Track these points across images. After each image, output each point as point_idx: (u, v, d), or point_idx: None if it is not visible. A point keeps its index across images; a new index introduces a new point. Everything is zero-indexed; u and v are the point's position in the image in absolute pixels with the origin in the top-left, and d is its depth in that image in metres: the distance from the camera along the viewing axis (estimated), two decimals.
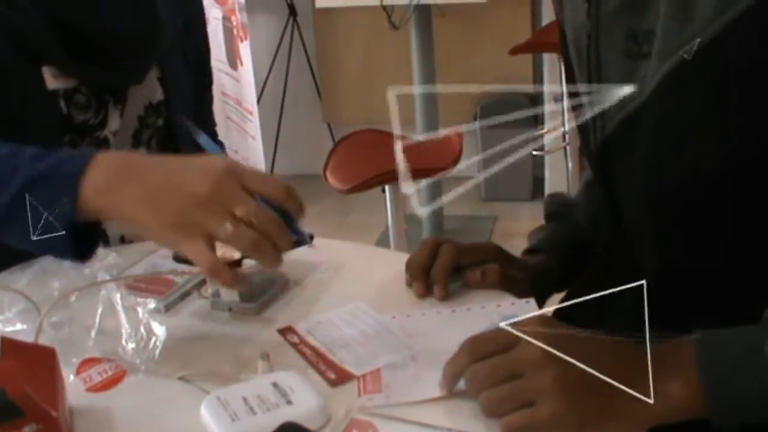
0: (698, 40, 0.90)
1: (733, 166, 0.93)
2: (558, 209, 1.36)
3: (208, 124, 1.69)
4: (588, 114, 1.08)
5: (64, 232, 1.06)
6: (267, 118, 4.35)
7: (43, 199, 1.06)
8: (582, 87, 1.09)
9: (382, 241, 3.80)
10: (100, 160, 1.06)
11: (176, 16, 1.52)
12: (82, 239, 1.08)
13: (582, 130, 1.14)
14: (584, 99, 1.09)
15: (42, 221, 1.09)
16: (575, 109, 1.15)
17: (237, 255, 1.06)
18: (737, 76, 0.89)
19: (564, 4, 1.12)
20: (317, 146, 4.58)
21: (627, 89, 0.99)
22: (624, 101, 1.01)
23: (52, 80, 1.36)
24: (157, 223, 0.99)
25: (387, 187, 2.82)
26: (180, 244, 0.98)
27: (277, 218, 0.98)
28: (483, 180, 4.33)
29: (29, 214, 1.08)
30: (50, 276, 1.21)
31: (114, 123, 1.44)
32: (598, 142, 1.09)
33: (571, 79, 1.16)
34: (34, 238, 1.12)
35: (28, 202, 1.08)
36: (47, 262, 1.27)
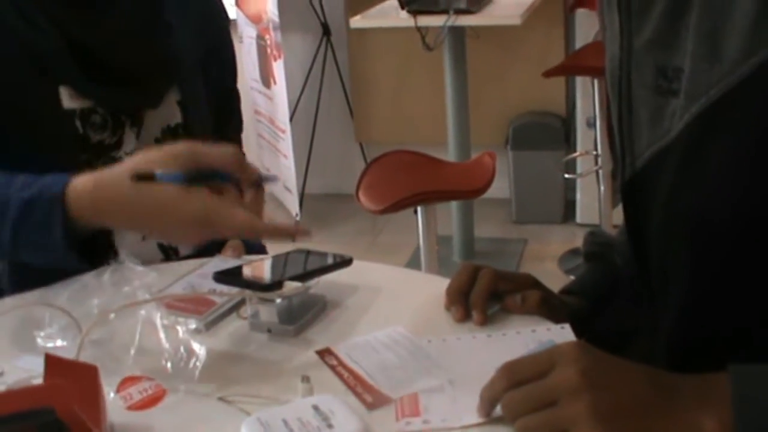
0: (726, 82, 0.89)
1: (758, 209, 0.92)
2: (596, 249, 1.34)
3: None
4: (619, 148, 1.09)
5: (64, 250, 1.17)
6: (299, 137, 4.37)
7: (38, 223, 1.17)
8: (614, 120, 1.09)
9: (413, 262, 3.81)
10: (75, 184, 1.16)
11: (198, 41, 1.52)
12: (91, 246, 1.19)
13: (616, 164, 1.14)
14: (616, 131, 1.09)
15: (45, 241, 1.17)
16: (611, 140, 1.15)
17: None
18: (765, 120, 0.89)
19: (606, 31, 1.12)
20: (349, 165, 4.60)
21: (656, 126, 0.99)
22: (653, 138, 1.01)
23: (68, 100, 1.38)
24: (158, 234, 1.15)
25: (419, 208, 2.82)
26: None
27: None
28: (514, 202, 4.33)
29: (31, 239, 1.18)
30: (90, 293, 1.22)
31: (130, 144, 1.45)
32: (627, 178, 1.09)
33: (608, 106, 1.16)
34: (42, 258, 1.20)
35: (26, 229, 1.18)
36: (87, 279, 1.29)
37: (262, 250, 1.60)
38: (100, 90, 1.40)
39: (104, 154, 1.42)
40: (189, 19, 1.51)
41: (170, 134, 1.49)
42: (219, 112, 1.60)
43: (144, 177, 1.09)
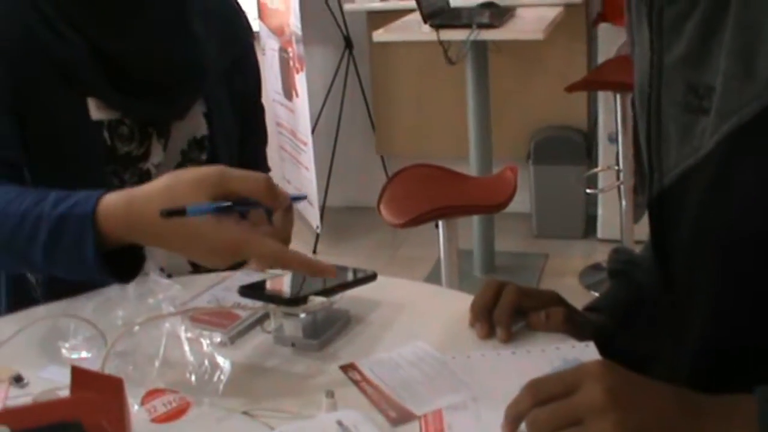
0: (759, 101, 0.89)
1: None
2: (621, 267, 1.33)
3: (258, 165, 1.70)
4: (647, 165, 1.08)
5: (96, 267, 1.16)
6: (321, 150, 4.38)
7: (69, 241, 1.16)
8: (642, 136, 1.09)
9: (433, 275, 3.81)
10: (107, 202, 1.15)
11: (224, 53, 1.53)
12: (124, 262, 1.18)
13: (642, 179, 1.13)
14: (644, 147, 1.09)
15: (76, 258, 1.16)
16: (637, 154, 1.15)
17: None
18: None
19: (635, 47, 1.12)
20: (370, 178, 4.61)
21: (686, 144, 0.99)
22: (682, 155, 1.00)
23: (96, 111, 1.39)
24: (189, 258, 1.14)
25: (440, 222, 2.82)
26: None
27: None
28: (535, 216, 4.33)
29: (63, 256, 1.18)
30: (115, 305, 1.23)
31: (157, 156, 1.46)
32: (654, 194, 1.09)
33: (635, 122, 1.15)
34: (75, 274, 1.21)
35: (57, 246, 1.17)
36: (112, 291, 1.30)
37: None
38: (128, 101, 1.41)
39: (132, 165, 1.43)
40: (214, 32, 1.52)
41: (196, 146, 1.50)
42: (244, 125, 1.61)
43: (174, 213, 1.07)
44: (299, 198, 1.20)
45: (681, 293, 1.08)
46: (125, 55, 1.40)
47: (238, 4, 1.64)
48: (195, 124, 1.50)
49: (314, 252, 4.26)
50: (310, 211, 4.35)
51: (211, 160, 1.52)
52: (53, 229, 1.17)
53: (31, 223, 1.19)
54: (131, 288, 1.27)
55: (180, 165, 1.49)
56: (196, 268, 1.51)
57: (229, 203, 1.08)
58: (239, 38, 1.62)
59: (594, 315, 1.25)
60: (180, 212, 1.07)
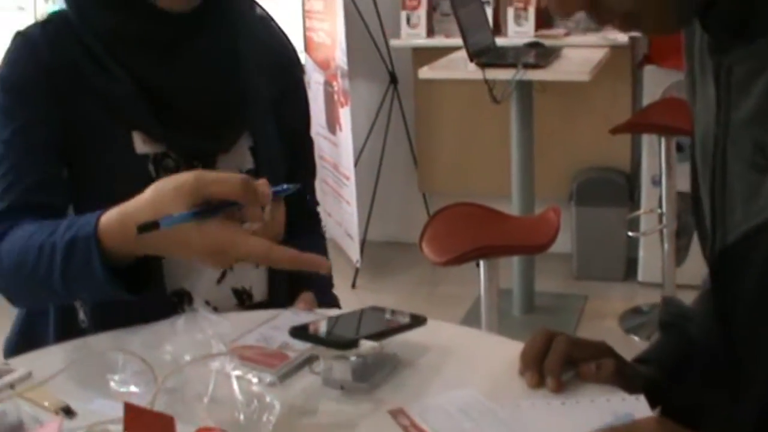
0: None
1: None
2: (672, 319, 1.32)
3: (306, 199, 1.70)
4: (710, 221, 1.07)
5: (107, 283, 1.21)
6: (362, 184, 4.39)
7: (80, 262, 1.21)
8: (705, 192, 1.08)
9: (472, 313, 3.79)
10: (105, 219, 1.21)
11: (271, 86, 1.54)
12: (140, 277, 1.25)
13: (702, 234, 1.12)
14: (706, 203, 1.08)
15: (89, 277, 1.21)
16: (696, 208, 1.13)
17: None
18: None
19: (697, 99, 1.11)
20: (411, 215, 4.61)
21: (752, 203, 0.98)
22: (748, 215, 0.99)
23: (141, 145, 1.41)
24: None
25: (482, 262, 2.81)
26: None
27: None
28: (575, 257, 4.30)
29: (78, 277, 1.23)
30: (163, 339, 1.24)
31: None
32: (717, 251, 1.07)
33: (693, 175, 1.14)
34: (92, 294, 1.28)
35: (71, 269, 1.23)
36: (160, 325, 1.31)
37: (333, 302, 1.61)
38: (173, 135, 1.42)
39: None
40: (263, 66, 1.53)
41: None
42: (292, 158, 1.61)
43: (148, 227, 1.12)
44: (282, 191, 1.22)
45: (742, 351, 1.07)
46: (171, 90, 1.42)
47: (287, 37, 1.65)
48: (241, 157, 1.51)
49: (353, 286, 4.26)
50: (350, 246, 4.35)
51: None
52: (65, 255, 1.23)
53: (48, 253, 1.25)
54: (180, 323, 1.29)
55: None
56: (241, 301, 1.51)
57: (199, 209, 1.13)
58: (288, 72, 1.62)
59: (644, 367, 1.24)
60: (154, 225, 1.12)
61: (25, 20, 5.39)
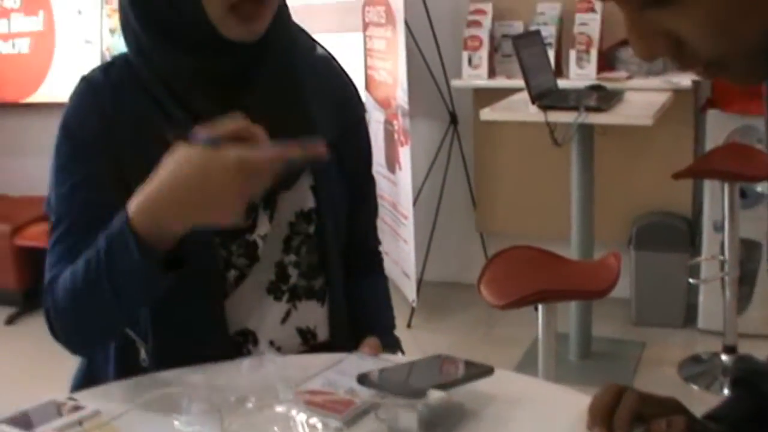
0: None
1: None
2: (745, 376, 1.29)
3: (367, 238, 1.70)
4: None
5: (149, 269, 1.26)
6: (420, 223, 4.39)
7: (119, 255, 1.26)
8: None
9: (528, 357, 3.76)
10: (130, 205, 1.26)
11: (333, 126, 1.54)
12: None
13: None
14: None
15: (131, 267, 1.25)
16: None
17: None
18: None
19: None
20: (468, 255, 4.60)
21: None
22: None
23: None
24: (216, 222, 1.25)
25: (540, 306, 2.80)
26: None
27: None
28: (634, 303, 4.25)
29: (121, 273, 1.27)
30: (227, 380, 1.25)
31: (263, 227, 1.47)
32: None
33: None
34: (141, 289, 1.30)
35: (114, 268, 1.27)
36: (224, 366, 1.32)
37: (396, 344, 1.60)
38: None
39: (238, 237, 1.45)
40: (325, 106, 1.54)
41: (303, 218, 1.51)
42: (353, 197, 1.61)
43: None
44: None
45: None
46: None
47: (348, 77, 1.65)
48: (302, 196, 1.51)
49: (409, 326, 4.25)
50: (406, 285, 4.35)
51: (319, 233, 1.53)
52: (106, 254, 1.27)
53: (94, 261, 1.29)
54: (245, 365, 1.29)
55: (287, 238, 1.51)
56: (305, 341, 1.52)
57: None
58: (349, 110, 1.63)
59: (715, 425, 1.22)
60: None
61: (91, 53, 5.48)
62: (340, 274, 1.57)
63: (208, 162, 1.20)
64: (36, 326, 4.88)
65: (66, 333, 1.38)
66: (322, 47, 1.62)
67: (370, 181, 1.70)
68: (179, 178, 1.22)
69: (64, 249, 1.40)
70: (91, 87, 1.45)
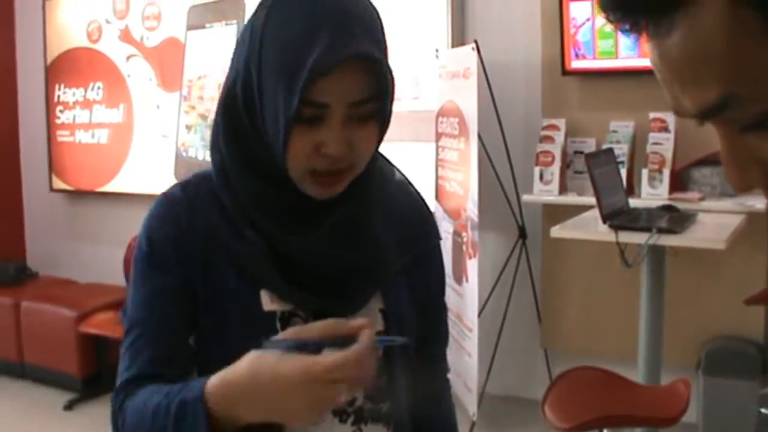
0: None
1: None
2: None
3: (437, 366, 1.69)
4: None
5: None
6: (484, 336, 4.36)
7: (188, 425, 1.26)
8: None
9: None
10: (210, 382, 1.27)
11: (405, 250, 1.52)
12: None
13: None
14: None
15: None
16: None
17: None
18: None
19: None
20: (531, 371, 4.54)
21: None
22: None
23: (269, 303, 1.41)
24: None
25: (605, 431, 2.74)
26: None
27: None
28: (702, 429, 4.14)
29: None
30: None
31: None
32: None
33: None
34: None
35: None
36: None
37: None
38: (301, 295, 1.43)
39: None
40: (399, 230, 1.53)
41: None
42: (423, 322, 1.60)
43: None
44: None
45: None
46: (302, 253, 1.44)
47: (425, 203, 1.65)
48: (371, 318, 1.49)
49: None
50: (467, 398, 4.29)
51: (387, 356, 1.51)
52: (176, 417, 1.28)
53: (162, 415, 1.29)
54: None
55: None
56: None
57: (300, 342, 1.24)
58: (423, 238, 1.62)
59: None
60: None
61: (167, 147, 5.63)
62: (407, 398, 1.55)
63: (279, 370, 1.22)
64: (94, 413, 4.92)
65: None
66: (400, 172, 1.63)
67: (442, 309, 1.68)
68: (255, 378, 1.24)
69: (136, 355, 1.41)
70: (168, 200, 1.48)
